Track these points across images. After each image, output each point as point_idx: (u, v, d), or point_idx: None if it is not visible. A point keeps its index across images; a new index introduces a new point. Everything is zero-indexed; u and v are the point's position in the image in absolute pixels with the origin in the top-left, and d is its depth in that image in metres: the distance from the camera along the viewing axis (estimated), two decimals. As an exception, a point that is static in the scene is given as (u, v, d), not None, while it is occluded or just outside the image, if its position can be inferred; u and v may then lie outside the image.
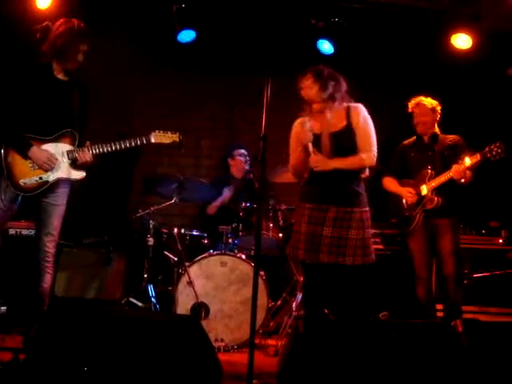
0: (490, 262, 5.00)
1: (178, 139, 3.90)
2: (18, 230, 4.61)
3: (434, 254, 4.42)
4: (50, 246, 3.70)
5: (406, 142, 4.70)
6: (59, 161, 3.70)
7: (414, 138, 4.64)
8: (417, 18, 5.40)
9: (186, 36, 5.32)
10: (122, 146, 3.77)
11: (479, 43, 5.27)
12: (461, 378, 2.68)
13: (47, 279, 3.71)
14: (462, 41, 5.31)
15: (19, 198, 3.66)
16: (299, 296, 4.58)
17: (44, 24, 3.46)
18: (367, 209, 3.62)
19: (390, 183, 4.68)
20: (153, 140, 3.85)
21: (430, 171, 4.41)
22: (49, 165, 3.64)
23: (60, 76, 3.77)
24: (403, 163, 4.64)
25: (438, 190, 4.32)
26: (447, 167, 4.28)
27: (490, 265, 4.98)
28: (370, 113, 3.52)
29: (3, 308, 4.34)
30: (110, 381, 2.62)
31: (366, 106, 3.55)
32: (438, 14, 5.33)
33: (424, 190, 4.39)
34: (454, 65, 5.36)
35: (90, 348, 2.68)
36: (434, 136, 4.51)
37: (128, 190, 5.68)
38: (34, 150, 3.62)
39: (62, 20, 3.70)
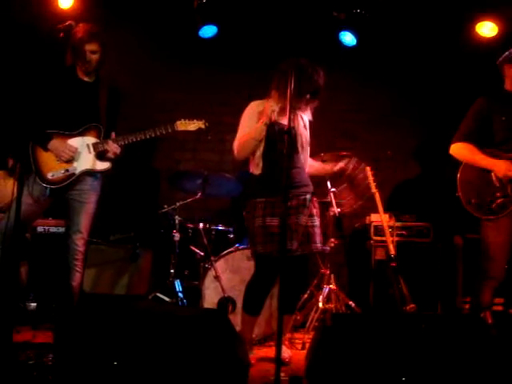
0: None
1: (203, 126, 3.92)
2: (46, 228, 4.67)
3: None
4: (79, 244, 3.74)
5: (488, 97, 3.83)
6: (80, 152, 3.75)
7: (500, 93, 3.83)
8: (441, 6, 5.33)
9: (208, 31, 5.32)
10: (147, 135, 3.81)
11: (505, 31, 5.19)
12: (490, 371, 2.65)
13: (76, 277, 3.75)
14: (487, 29, 5.23)
15: (47, 192, 3.71)
16: (326, 289, 4.57)
17: (67, 23, 3.49)
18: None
19: (472, 153, 3.73)
20: (178, 128, 3.88)
21: None
22: (67, 154, 3.70)
23: (85, 78, 3.83)
24: (486, 126, 3.74)
25: None
26: None
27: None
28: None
29: (33, 304, 4.41)
30: (139, 375, 2.65)
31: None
32: (462, 1, 5.25)
33: None
34: (478, 53, 5.28)
35: (118, 343, 2.71)
36: None
37: (153, 186, 5.71)
38: (53, 142, 3.71)
39: (80, 24, 3.76)
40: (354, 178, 4.34)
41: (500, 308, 4.04)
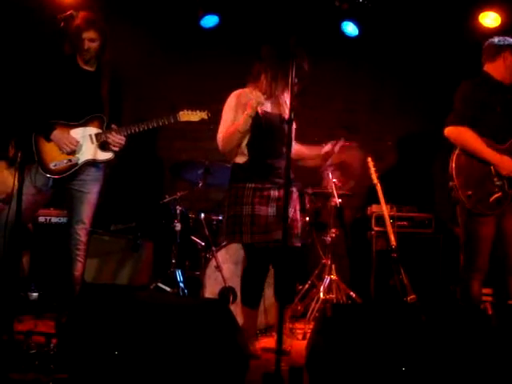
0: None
1: (206, 116, 3.91)
2: (48, 218, 4.69)
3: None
4: (81, 234, 3.75)
5: (477, 83, 3.64)
6: (83, 143, 3.75)
7: (487, 80, 3.66)
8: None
9: (209, 21, 5.31)
10: (150, 125, 3.80)
11: (508, 22, 5.16)
12: (490, 362, 2.65)
13: (78, 267, 3.76)
14: (490, 19, 5.21)
15: (50, 182, 3.72)
16: (327, 280, 4.58)
17: (68, 13, 3.47)
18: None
19: (475, 141, 3.51)
20: (181, 118, 3.87)
21: None
22: (68, 147, 3.70)
23: (85, 66, 3.82)
24: (484, 115, 3.55)
25: None
26: None
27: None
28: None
29: (35, 294, 4.42)
30: (140, 364, 2.66)
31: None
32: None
33: None
34: (481, 44, 5.26)
35: (120, 332, 2.72)
36: None
37: (155, 176, 5.71)
38: (56, 133, 3.70)
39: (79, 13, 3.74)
40: (344, 160, 4.14)
41: (490, 298, 4.06)
